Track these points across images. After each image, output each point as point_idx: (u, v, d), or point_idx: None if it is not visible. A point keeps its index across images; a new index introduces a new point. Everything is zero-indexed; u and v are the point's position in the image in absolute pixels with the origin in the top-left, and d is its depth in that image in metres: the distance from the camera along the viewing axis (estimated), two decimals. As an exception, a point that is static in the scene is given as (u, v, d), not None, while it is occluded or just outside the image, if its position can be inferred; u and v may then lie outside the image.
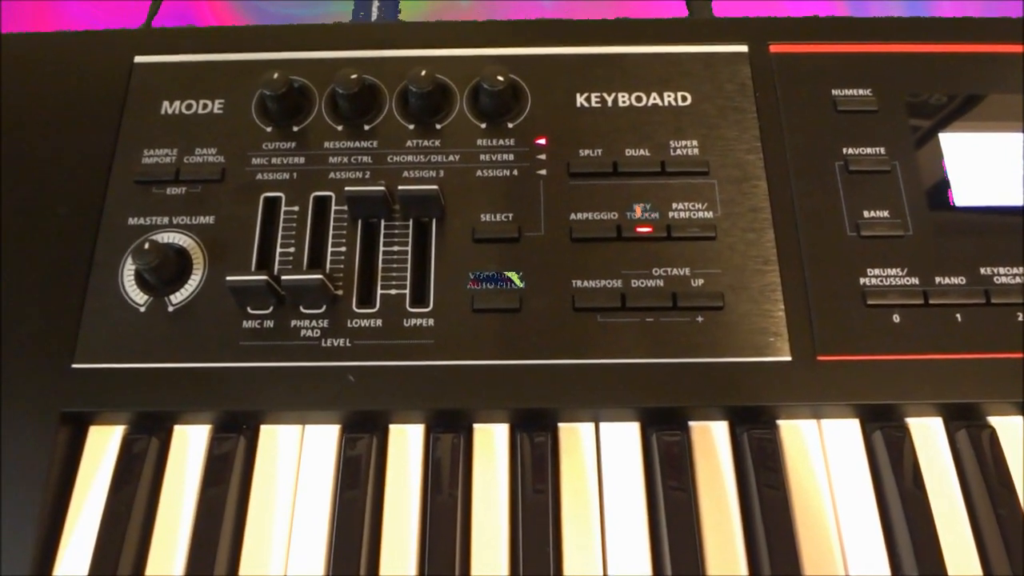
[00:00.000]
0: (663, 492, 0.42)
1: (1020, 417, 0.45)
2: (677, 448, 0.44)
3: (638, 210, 0.47)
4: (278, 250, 0.47)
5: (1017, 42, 0.52)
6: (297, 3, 0.78)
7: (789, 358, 0.45)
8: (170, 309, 0.46)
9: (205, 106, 0.50)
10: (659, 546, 0.42)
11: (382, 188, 0.45)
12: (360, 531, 0.42)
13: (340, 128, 0.50)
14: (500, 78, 0.48)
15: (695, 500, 0.43)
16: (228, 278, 0.44)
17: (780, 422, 0.45)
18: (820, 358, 0.45)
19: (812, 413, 0.45)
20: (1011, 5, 0.69)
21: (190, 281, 0.46)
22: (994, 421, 0.45)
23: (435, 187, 0.46)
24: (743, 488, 0.43)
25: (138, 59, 0.52)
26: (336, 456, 0.44)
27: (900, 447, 0.44)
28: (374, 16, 0.59)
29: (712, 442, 0.45)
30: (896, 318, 0.45)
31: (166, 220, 0.48)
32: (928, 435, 0.45)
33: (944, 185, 0.49)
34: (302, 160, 0.49)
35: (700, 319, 0.45)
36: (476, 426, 0.45)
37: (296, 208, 0.48)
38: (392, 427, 0.45)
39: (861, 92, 0.50)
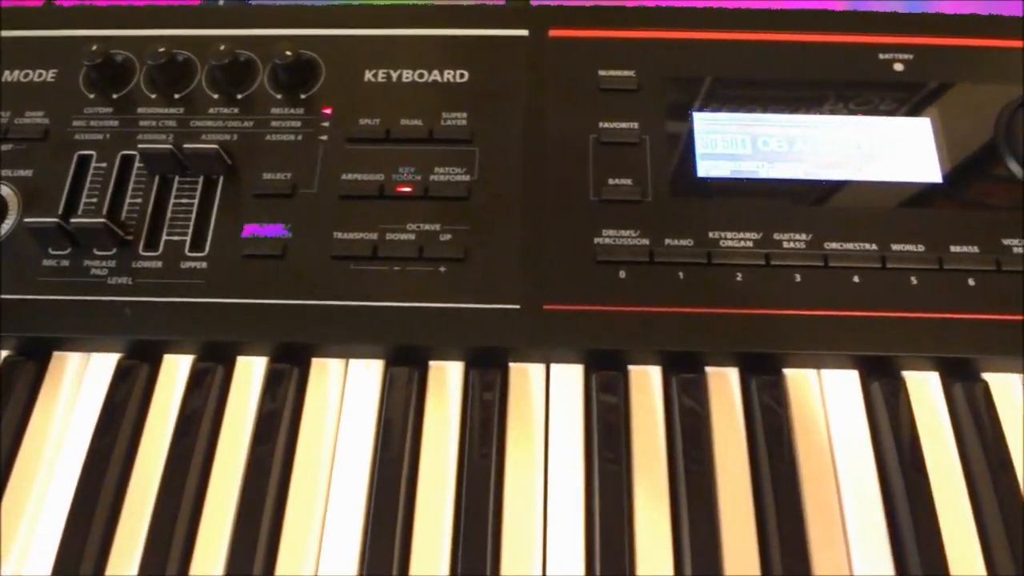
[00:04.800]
0: (385, 416, 0.47)
1: (735, 368, 0.49)
2: (407, 379, 0.48)
3: (403, 173, 0.53)
4: (83, 200, 0.53)
5: (773, 30, 0.56)
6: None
7: (518, 306, 0.49)
8: (-17, 248, 0.52)
9: (40, 75, 0.57)
10: (375, 479, 0.47)
11: (168, 147, 0.51)
12: (105, 470, 0.46)
13: (154, 96, 0.56)
14: (288, 53, 0.54)
15: (419, 432, 0.48)
16: (25, 220, 0.50)
17: (512, 364, 0.50)
18: (546, 307, 0.49)
19: (541, 357, 0.50)
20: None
21: (4, 224, 0.52)
22: (710, 371, 0.49)
23: (215, 146, 0.51)
24: (464, 419, 0.48)
25: (4, 33, 0.59)
26: (110, 383, 0.50)
27: (616, 391, 0.48)
28: (222, 1, 0.66)
29: (445, 380, 0.49)
30: (622, 274, 0.50)
31: (-9, 172, 0.54)
32: (647, 381, 0.49)
33: (690, 158, 0.53)
34: (116, 124, 0.55)
35: (443, 269, 0.50)
36: (239, 359, 0.50)
37: (104, 165, 0.54)
38: (166, 357, 0.51)
39: (625, 73, 0.55)
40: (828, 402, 0.48)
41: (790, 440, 0.47)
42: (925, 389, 0.49)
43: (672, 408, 0.48)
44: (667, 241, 0.50)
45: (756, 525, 0.45)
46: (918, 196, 0.52)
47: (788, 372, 0.49)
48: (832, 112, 0.54)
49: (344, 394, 0.49)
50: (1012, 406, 0.48)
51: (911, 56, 0.55)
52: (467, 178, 0.52)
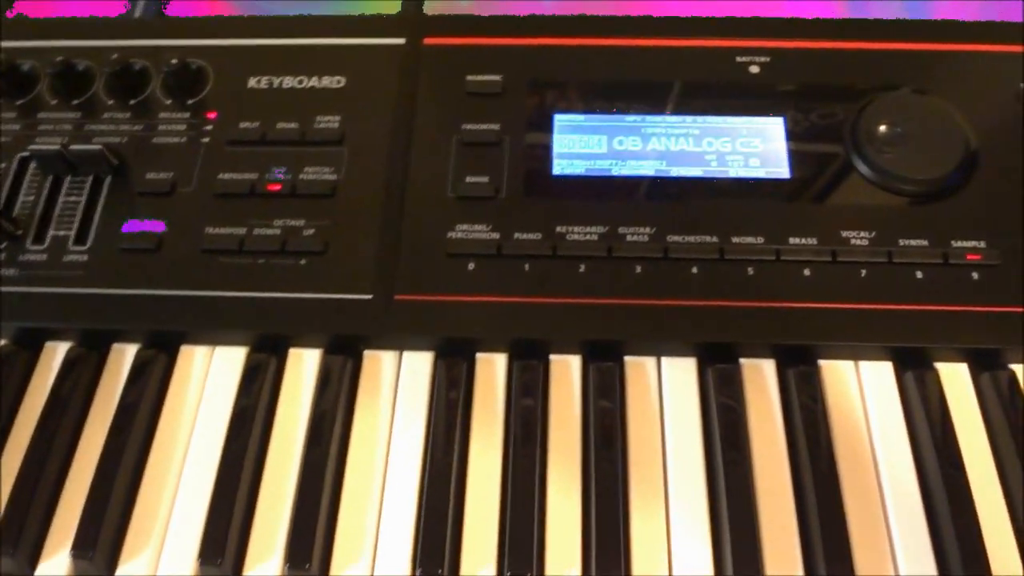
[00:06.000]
0: (240, 400, 0.50)
1: (577, 357, 0.51)
2: (263, 365, 0.51)
3: (276, 172, 0.56)
4: (-20, 199, 0.57)
5: (636, 36, 0.58)
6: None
7: (370, 296, 0.52)
8: None
9: (-42, 83, 0.61)
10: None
11: (56, 147, 0.55)
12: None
13: (55, 103, 0.59)
14: (174, 61, 0.57)
15: (271, 415, 0.50)
16: (-81, 215, 0.54)
17: (367, 352, 0.52)
18: (397, 297, 0.51)
19: (395, 345, 0.52)
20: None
21: (-91, 221, 0.57)
22: (553, 358, 0.51)
23: (99, 147, 0.55)
24: (315, 404, 0.50)
25: (-81, 46, 0.64)
26: (-10, 367, 0.53)
27: (458, 376, 0.50)
28: (138, 13, 0.70)
29: (302, 366, 0.52)
30: (471, 266, 0.52)
31: (-96, 174, 0.58)
32: (492, 369, 0.51)
33: (548, 157, 0.55)
34: (18, 127, 0.59)
35: (303, 262, 0.53)
36: (114, 346, 0.53)
37: (3, 166, 0.57)
38: (46, 344, 0.54)
39: (491, 77, 0.58)
40: (664, 388, 0.50)
41: (623, 426, 0.49)
42: (761, 375, 0.50)
43: (512, 395, 0.50)
44: (516, 235, 0.53)
45: (581, 507, 0.47)
46: (764, 191, 0.54)
47: (628, 360, 0.51)
48: (689, 113, 0.56)
49: (207, 379, 0.52)
50: (846, 391, 0.50)
51: (767, 59, 0.57)
52: (334, 177, 0.55)
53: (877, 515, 0.46)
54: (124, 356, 0.53)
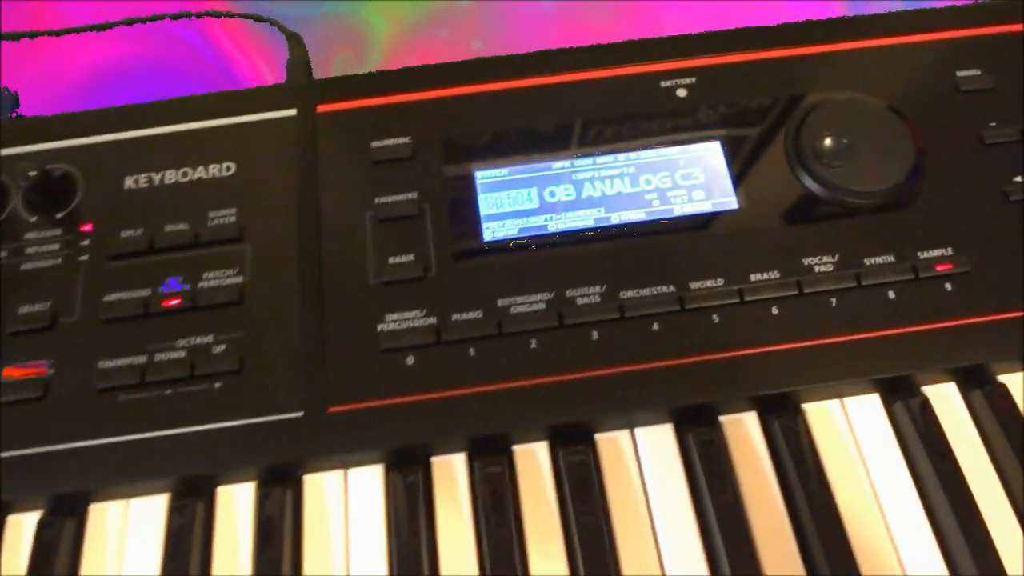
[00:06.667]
0: (169, 551, 0.43)
1: (544, 443, 0.46)
2: (188, 514, 0.44)
3: (171, 284, 0.49)
4: None
5: (548, 74, 0.53)
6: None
7: (300, 413, 0.45)
8: None
9: None
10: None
11: (-101, 296, 0.47)
12: None
13: (-101, 239, 0.52)
14: (32, 173, 0.50)
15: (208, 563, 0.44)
16: None
17: (306, 477, 0.46)
18: (331, 410, 0.45)
19: (337, 464, 0.46)
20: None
21: None
22: (517, 449, 0.46)
23: (-48, 289, 0.47)
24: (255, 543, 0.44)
25: None
26: None
27: (415, 486, 0.44)
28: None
29: (233, 505, 0.45)
30: (410, 360, 0.46)
31: None
32: (451, 471, 0.45)
33: (475, 221, 0.50)
34: None
35: (218, 385, 0.46)
36: (10, 518, 0.46)
37: None
38: (-73, 527, 0.46)
39: (399, 141, 0.52)
40: (643, 461, 0.45)
41: (603, 501, 0.44)
42: (744, 430, 0.46)
43: (477, 495, 0.44)
44: (454, 317, 0.47)
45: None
46: (715, 226, 0.49)
47: (600, 437, 0.46)
48: (619, 150, 0.51)
49: (126, 539, 0.45)
50: (836, 432, 0.46)
51: (693, 79, 0.53)
52: (239, 279, 0.48)
53: (887, 551, 0.43)
54: (22, 529, 0.45)
